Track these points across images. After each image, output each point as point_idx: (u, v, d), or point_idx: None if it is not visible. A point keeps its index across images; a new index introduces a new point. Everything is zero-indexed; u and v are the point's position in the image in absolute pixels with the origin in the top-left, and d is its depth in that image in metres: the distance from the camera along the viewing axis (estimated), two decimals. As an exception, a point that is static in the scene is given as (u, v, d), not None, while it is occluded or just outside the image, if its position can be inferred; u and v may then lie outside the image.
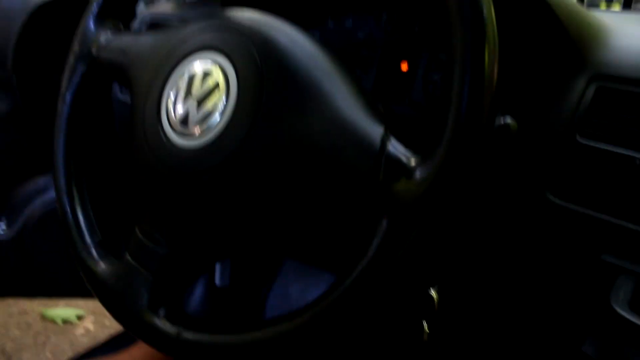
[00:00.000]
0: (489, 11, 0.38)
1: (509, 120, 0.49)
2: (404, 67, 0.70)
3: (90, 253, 0.55)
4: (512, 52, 0.63)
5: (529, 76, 0.62)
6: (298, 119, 0.42)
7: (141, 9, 0.98)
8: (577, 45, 0.58)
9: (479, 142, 0.37)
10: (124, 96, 0.89)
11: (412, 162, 0.39)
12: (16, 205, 1.22)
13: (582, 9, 0.63)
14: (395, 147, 0.40)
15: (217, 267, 1.27)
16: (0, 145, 1.14)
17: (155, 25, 0.87)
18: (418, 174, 0.37)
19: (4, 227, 1.23)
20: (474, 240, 0.63)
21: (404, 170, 0.38)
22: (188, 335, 0.47)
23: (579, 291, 0.56)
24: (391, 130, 0.41)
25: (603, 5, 1.06)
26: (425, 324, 0.63)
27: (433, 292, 0.60)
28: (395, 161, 0.39)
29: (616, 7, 1.05)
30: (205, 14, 0.50)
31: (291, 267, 1.32)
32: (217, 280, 1.27)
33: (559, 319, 0.61)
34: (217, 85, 0.45)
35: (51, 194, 1.20)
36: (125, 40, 0.56)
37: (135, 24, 0.90)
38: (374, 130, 0.41)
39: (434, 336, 0.66)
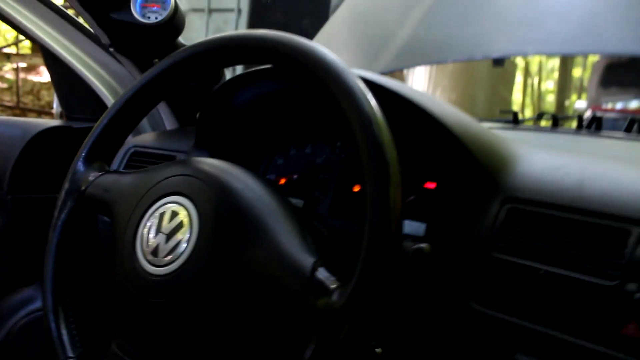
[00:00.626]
0: (393, 156, 0.49)
1: (422, 245, 0.60)
2: (356, 188, 0.81)
3: None
4: (430, 179, 0.75)
5: (442, 198, 0.73)
6: (247, 251, 0.52)
7: (128, 138, 1.11)
8: (489, 173, 0.69)
9: (384, 265, 0.47)
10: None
11: (334, 285, 0.48)
12: (2, 314, 1.28)
13: (493, 139, 0.75)
14: (322, 274, 0.49)
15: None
16: (-9, 259, 1.22)
17: (137, 154, 1.00)
18: (337, 295, 0.47)
19: (-11, 336, 1.28)
20: (405, 339, 0.71)
21: (327, 292, 0.48)
22: None
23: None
24: (322, 258, 0.52)
25: (531, 122, 1.19)
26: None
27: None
28: (321, 285, 0.49)
29: (546, 124, 1.18)
30: (174, 163, 0.62)
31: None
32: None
33: None
34: (181, 223, 0.55)
35: (36, 304, 1.27)
36: (109, 179, 0.67)
37: (121, 152, 1.02)
38: (307, 260, 0.51)
39: None
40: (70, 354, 0.64)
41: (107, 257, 0.62)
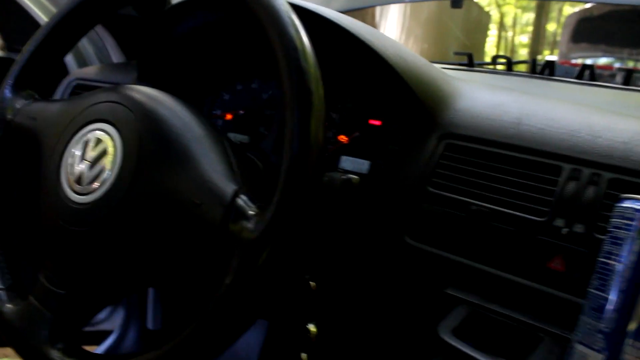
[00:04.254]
0: (316, 85, 0.48)
1: (351, 176, 0.60)
2: None
3: None
4: (375, 117, 0.74)
5: (386, 135, 0.72)
6: (168, 178, 0.51)
7: (73, 70, 1.06)
8: (427, 109, 0.69)
9: (304, 194, 0.46)
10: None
11: (253, 212, 0.48)
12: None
13: (436, 76, 0.74)
14: (243, 201, 0.49)
15: (149, 311, 1.32)
16: None
17: (79, 87, 0.96)
18: (254, 222, 0.47)
19: None
20: (340, 272, 0.72)
21: (246, 218, 0.47)
22: None
23: (423, 320, 0.65)
24: (248, 187, 0.51)
25: (488, 66, 1.18)
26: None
27: (311, 327, 0.69)
28: (240, 212, 0.48)
29: (502, 68, 1.17)
30: (103, 90, 0.59)
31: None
32: (150, 324, 1.32)
33: (407, 343, 0.70)
34: (105, 151, 0.53)
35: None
36: (36, 107, 0.64)
37: (63, 84, 0.98)
38: (228, 187, 0.50)
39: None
40: (0, 286, 0.63)
41: (34, 187, 0.60)
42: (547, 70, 1.04)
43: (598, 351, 0.45)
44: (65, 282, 0.56)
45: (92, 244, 0.53)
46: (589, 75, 1.03)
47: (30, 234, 0.89)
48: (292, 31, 0.48)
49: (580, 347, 0.46)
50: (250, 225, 0.47)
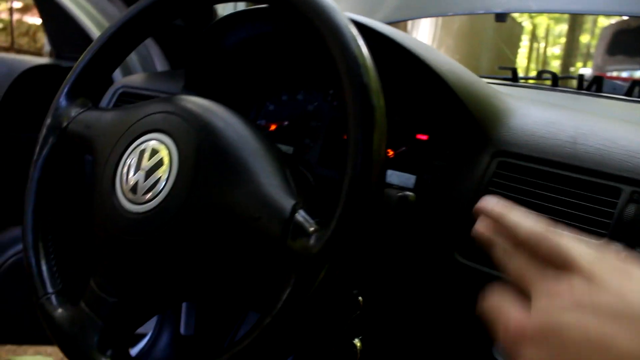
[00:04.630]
0: (378, 100, 0.47)
1: (407, 193, 0.59)
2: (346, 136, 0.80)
3: (49, 300, 0.62)
4: (423, 131, 0.74)
5: (433, 150, 0.71)
6: (226, 191, 0.51)
7: (118, 78, 1.08)
8: (481, 126, 0.68)
9: (365, 211, 0.46)
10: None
11: (313, 228, 0.47)
12: (-10, 254, 1.28)
13: (488, 91, 0.73)
14: (302, 216, 0.48)
15: (182, 317, 1.33)
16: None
17: (125, 94, 0.97)
18: (315, 239, 0.46)
19: (-23, 275, 1.29)
20: (388, 288, 0.71)
21: (305, 234, 0.47)
22: None
23: (474, 339, 0.64)
24: (303, 201, 0.50)
25: (531, 81, 1.16)
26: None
27: (357, 341, 0.69)
28: (299, 227, 0.48)
29: (547, 83, 1.16)
30: (158, 100, 0.60)
31: (255, 316, 1.37)
32: (182, 329, 1.33)
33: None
34: (161, 161, 0.54)
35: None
36: (91, 116, 0.65)
37: (109, 92, 1.00)
38: (287, 201, 0.49)
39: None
40: (50, 290, 0.64)
41: (88, 194, 0.61)
42: (594, 87, 1.02)
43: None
44: (118, 290, 0.56)
45: (146, 254, 0.53)
46: (638, 91, 1.01)
47: (81, 239, 0.90)
48: (355, 47, 0.48)
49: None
50: (309, 241, 0.46)
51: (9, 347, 1.67)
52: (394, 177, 0.75)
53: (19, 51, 5.10)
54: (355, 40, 0.49)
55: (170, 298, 0.57)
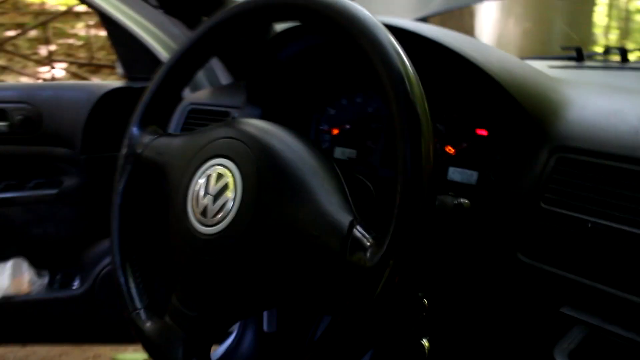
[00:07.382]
0: (423, 110, 0.49)
1: (462, 200, 0.59)
2: None
3: (139, 315, 0.68)
4: (482, 126, 0.73)
5: (494, 145, 0.71)
6: (287, 210, 0.54)
7: (187, 94, 1.14)
8: (536, 121, 0.66)
9: (419, 221, 0.47)
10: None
11: (370, 242, 0.49)
12: (87, 264, 1.39)
13: (543, 83, 0.71)
14: (359, 231, 0.50)
15: (265, 315, 1.38)
16: (71, 214, 1.32)
17: (194, 111, 1.03)
18: (372, 253, 0.48)
19: (77, 283, 1.41)
20: (452, 290, 0.72)
21: (363, 249, 0.49)
22: None
23: (538, 339, 0.63)
24: (361, 215, 0.52)
25: (600, 57, 1.10)
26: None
27: (425, 341, 0.70)
28: (357, 243, 0.50)
29: (615, 57, 1.08)
30: (220, 125, 0.63)
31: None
32: (265, 327, 1.39)
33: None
34: (227, 185, 0.58)
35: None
36: (161, 142, 0.70)
37: (178, 109, 1.06)
38: (345, 218, 0.52)
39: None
40: (139, 306, 0.70)
41: (165, 217, 0.66)
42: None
43: None
44: (196, 305, 0.61)
45: (219, 271, 0.57)
46: None
47: (161, 258, 0.97)
48: (397, 61, 0.49)
49: None
50: (367, 255, 0.48)
51: (111, 345, 1.82)
52: (456, 174, 0.75)
53: (98, 65, 5.40)
54: (398, 53, 0.50)
55: (244, 310, 0.62)
